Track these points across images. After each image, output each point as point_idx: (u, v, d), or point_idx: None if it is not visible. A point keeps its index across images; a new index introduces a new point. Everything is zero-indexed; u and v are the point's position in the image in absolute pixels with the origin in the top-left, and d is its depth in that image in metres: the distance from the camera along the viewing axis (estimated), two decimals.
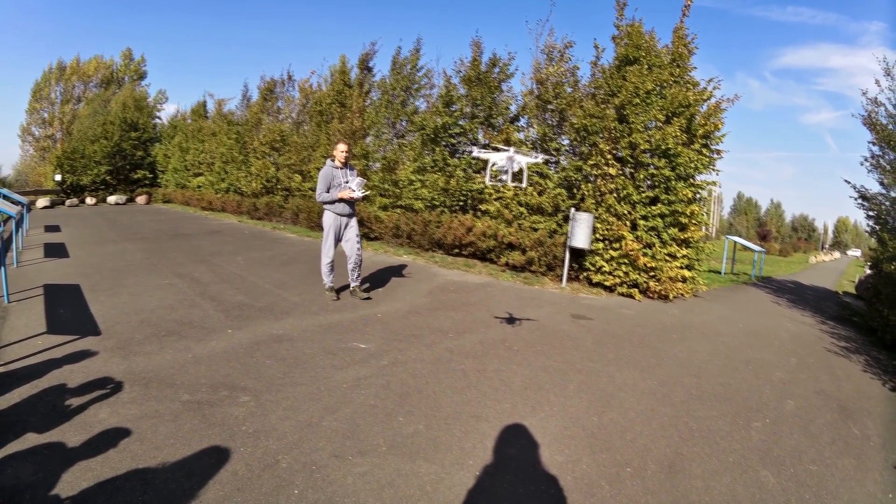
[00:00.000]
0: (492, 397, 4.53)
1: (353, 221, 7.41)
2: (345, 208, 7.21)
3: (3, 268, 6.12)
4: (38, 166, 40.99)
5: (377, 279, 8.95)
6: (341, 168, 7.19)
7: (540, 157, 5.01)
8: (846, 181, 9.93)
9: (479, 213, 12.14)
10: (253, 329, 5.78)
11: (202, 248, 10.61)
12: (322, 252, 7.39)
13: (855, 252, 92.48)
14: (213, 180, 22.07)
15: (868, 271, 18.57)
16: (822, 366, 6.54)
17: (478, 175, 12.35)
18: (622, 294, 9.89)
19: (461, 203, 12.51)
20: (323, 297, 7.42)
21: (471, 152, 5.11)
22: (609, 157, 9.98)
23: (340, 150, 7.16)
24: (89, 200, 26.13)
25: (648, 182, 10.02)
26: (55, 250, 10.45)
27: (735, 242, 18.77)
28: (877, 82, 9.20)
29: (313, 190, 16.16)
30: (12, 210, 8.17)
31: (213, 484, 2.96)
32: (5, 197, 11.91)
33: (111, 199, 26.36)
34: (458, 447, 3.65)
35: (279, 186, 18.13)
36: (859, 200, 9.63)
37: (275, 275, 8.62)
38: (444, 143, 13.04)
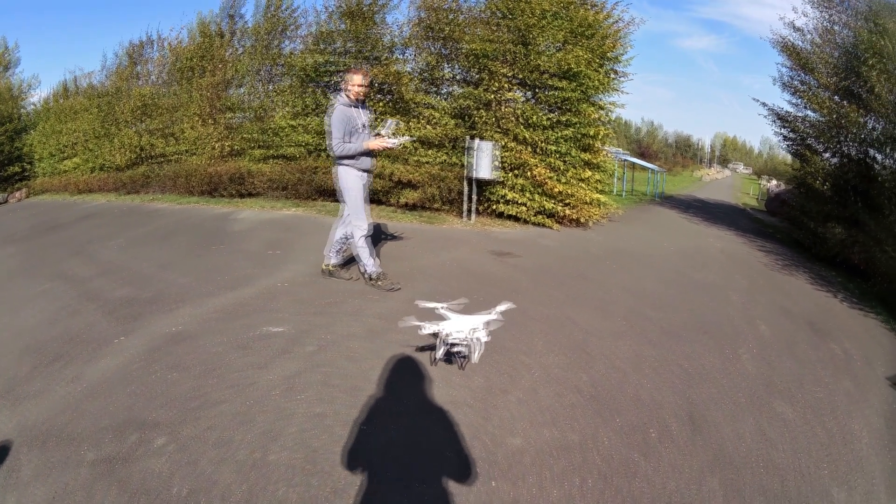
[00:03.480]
0: (457, 373, 3.74)
1: (370, 179, 5.68)
2: (370, 162, 5.50)
3: None
4: None
5: (265, 240, 7.77)
6: (357, 107, 5.32)
7: (496, 315, 3.77)
8: (759, 101, 10.44)
9: None
10: (145, 330, 4.54)
11: (77, 238, 8.96)
12: (355, 224, 5.48)
13: (741, 167, 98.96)
14: (84, 160, 20.10)
15: (771, 186, 19.51)
16: (771, 285, 6.44)
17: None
18: (535, 224, 9.52)
19: None
20: (212, 274, 6.11)
21: (420, 328, 3.68)
22: (508, 81, 9.43)
23: (356, 81, 5.17)
24: None
25: (553, 106, 9.65)
26: None
27: (632, 162, 18.99)
28: (794, 10, 9.63)
29: (188, 153, 15.06)
30: None
31: None
32: None
33: None
34: (452, 452, 2.87)
35: (150, 154, 16.81)
36: (775, 120, 10.13)
37: (156, 254, 7.22)
38: (321, 84, 12.16)
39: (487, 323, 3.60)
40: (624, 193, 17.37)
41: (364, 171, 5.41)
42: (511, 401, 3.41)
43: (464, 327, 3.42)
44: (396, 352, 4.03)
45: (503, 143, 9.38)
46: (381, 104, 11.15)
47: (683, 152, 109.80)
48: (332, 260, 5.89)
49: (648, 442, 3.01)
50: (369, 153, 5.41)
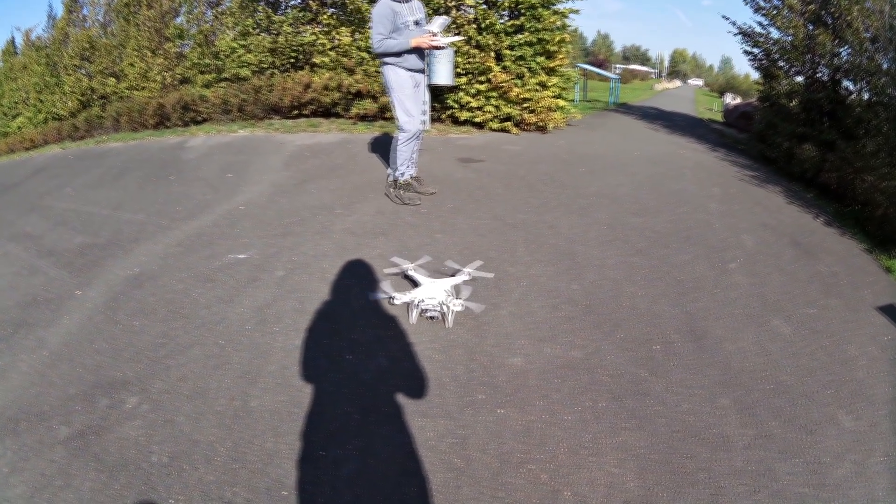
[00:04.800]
0: None
1: (424, 80, 5.16)
2: (417, 62, 4.91)
3: None
4: None
5: (220, 165, 7.34)
6: (405, 1, 4.75)
7: (467, 275, 3.44)
8: (728, 19, 10.20)
9: (314, 68, 10.99)
10: (104, 278, 4.14)
11: (30, 193, 8.32)
12: (401, 122, 4.92)
13: (697, 81, 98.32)
14: (30, 116, 19.34)
15: (728, 101, 19.44)
16: (746, 196, 6.30)
17: (308, 27, 11.14)
18: (495, 129, 9.28)
19: (292, 60, 11.32)
20: (168, 207, 5.66)
21: (391, 299, 3.25)
22: None
23: None
24: None
25: (511, 11, 9.24)
26: None
27: (584, 70, 18.66)
28: None
29: (136, 88, 14.28)
30: None
31: None
32: None
33: None
34: (450, 378, 2.66)
35: (95, 96, 16.14)
36: (744, 39, 9.90)
37: (109, 195, 6.71)
38: (265, 1, 11.62)
39: (459, 286, 3.38)
40: (577, 100, 17.07)
41: (413, 70, 4.91)
42: (504, 316, 3.22)
43: (436, 293, 3.17)
44: (373, 269, 3.80)
45: (460, 49, 9.00)
46: (330, 17, 10.74)
47: (635, 63, 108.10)
48: (411, 172, 5.48)
49: (654, 358, 2.87)
50: (417, 52, 4.87)
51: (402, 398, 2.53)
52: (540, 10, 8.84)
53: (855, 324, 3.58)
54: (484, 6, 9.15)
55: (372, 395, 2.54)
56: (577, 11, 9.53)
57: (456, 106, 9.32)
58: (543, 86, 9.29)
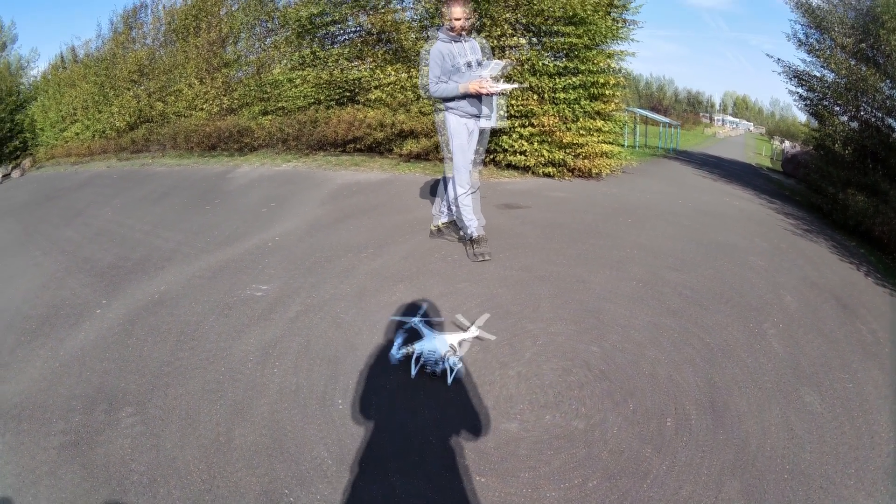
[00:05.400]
0: None
1: (477, 127, 4.75)
2: (471, 106, 4.55)
3: None
4: None
5: (261, 196, 7.47)
6: (458, 42, 4.43)
7: (475, 331, 3.36)
8: (773, 58, 9.94)
9: (364, 104, 10.93)
10: (127, 296, 4.30)
11: (72, 206, 8.74)
12: (456, 178, 4.68)
13: (752, 125, 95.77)
14: (79, 131, 20.11)
15: (786, 147, 18.75)
16: (794, 250, 5.96)
17: (358, 63, 11.18)
18: (543, 175, 9.04)
19: (346, 95, 11.33)
20: (203, 234, 5.79)
21: (390, 354, 3.15)
22: (511, 27, 8.95)
23: (454, 14, 4.27)
24: None
25: (559, 52, 9.09)
26: None
27: (644, 116, 18.39)
28: None
29: (178, 115, 14.77)
30: None
31: None
32: None
33: None
34: (437, 439, 2.53)
35: (147, 116, 16.69)
36: (791, 78, 9.72)
37: (149, 215, 6.97)
38: (318, 35, 11.74)
39: (462, 343, 3.25)
40: (637, 146, 16.77)
41: (468, 116, 4.61)
42: (510, 376, 3.04)
43: (438, 348, 3.04)
44: (385, 316, 3.68)
45: (514, 94, 8.87)
46: (380, 53, 10.77)
47: (696, 109, 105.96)
48: (444, 219, 5.34)
49: (664, 434, 2.65)
50: (470, 97, 4.50)
51: (381, 451, 2.44)
52: (591, 52, 8.70)
53: (891, 395, 3.30)
54: (538, 47, 9.11)
55: (351, 444, 2.48)
56: (632, 54, 9.35)
57: (503, 149, 9.23)
58: (594, 130, 9.04)
